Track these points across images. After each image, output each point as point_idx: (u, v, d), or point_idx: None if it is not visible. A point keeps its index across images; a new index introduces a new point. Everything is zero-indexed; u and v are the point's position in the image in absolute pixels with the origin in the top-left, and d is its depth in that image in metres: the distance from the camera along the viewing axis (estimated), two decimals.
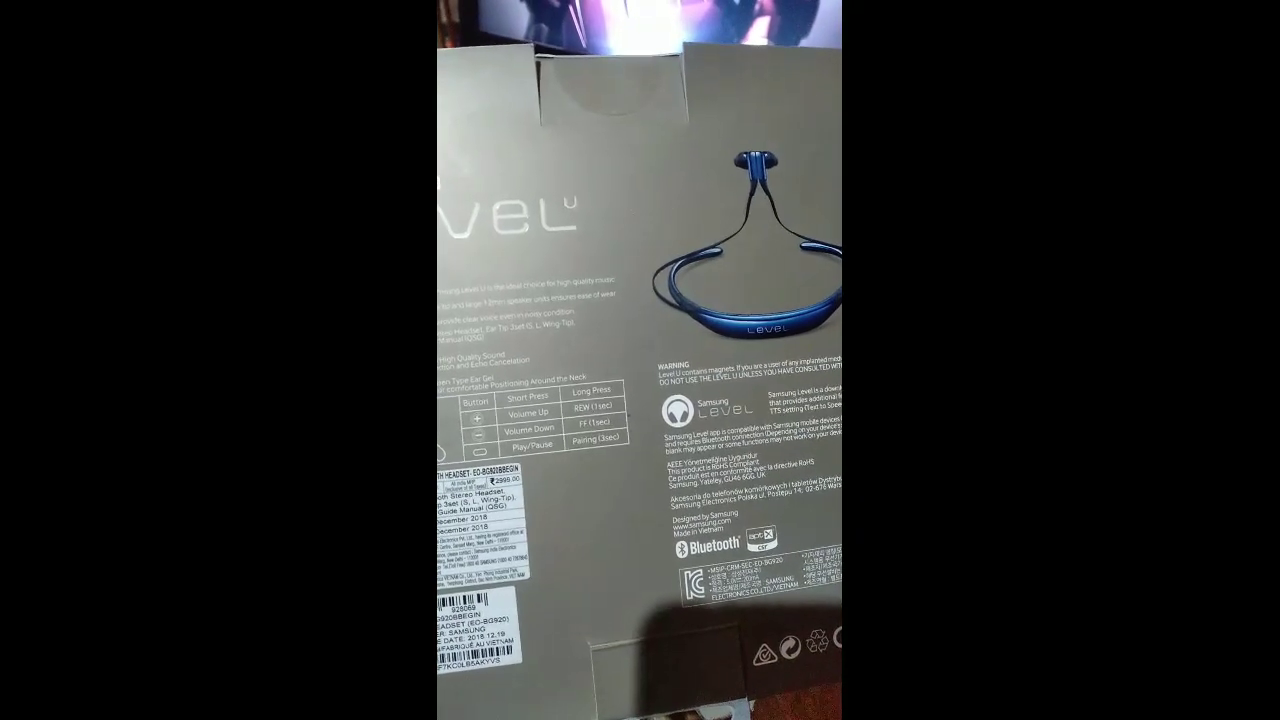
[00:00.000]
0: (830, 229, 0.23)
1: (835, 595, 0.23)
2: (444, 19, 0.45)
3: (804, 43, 0.41)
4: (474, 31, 0.42)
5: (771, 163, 0.23)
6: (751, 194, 0.23)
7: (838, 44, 0.41)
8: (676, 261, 0.22)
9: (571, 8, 0.40)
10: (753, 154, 0.23)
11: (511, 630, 0.21)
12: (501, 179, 0.21)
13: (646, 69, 0.23)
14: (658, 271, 0.22)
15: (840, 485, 0.23)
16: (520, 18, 0.41)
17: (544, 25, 0.41)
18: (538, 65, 0.22)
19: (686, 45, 0.22)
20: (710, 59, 0.23)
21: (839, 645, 0.22)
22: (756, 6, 0.40)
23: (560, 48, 0.41)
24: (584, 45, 0.41)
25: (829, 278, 0.23)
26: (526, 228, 0.21)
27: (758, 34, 0.41)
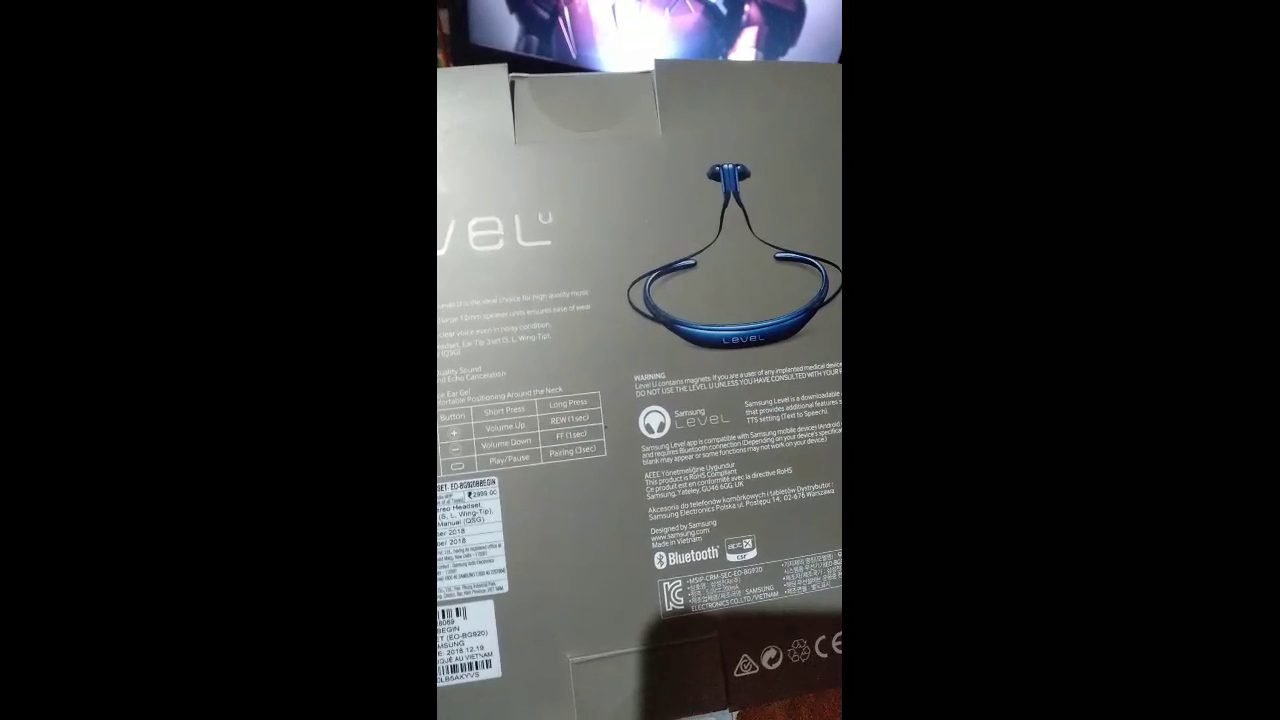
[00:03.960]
0: (804, 239, 0.23)
1: (816, 604, 0.22)
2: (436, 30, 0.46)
3: (791, 52, 0.42)
4: (464, 43, 0.43)
5: (744, 175, 0.23)
6: (725, 206, 0.23)
7: (825, 53, 0.41)
8: (651, 274, 0.22)
9: (561, 19, 0.41)
10: (725, 166, 0.23)
11: (491, 644, 0.21)
12: (477, 196, 0.22)
13: (619, 86, 0.23)
14: (633, 284, 0.22)
15: (819, 493, 0.23)
16: (510, 30, 0.41)
17: (534, 37, 0.42)
18: (512, 84, 0.22)
19: (658, 61, 0.23)
20: (682, 74, 0.23)
21: (821, 655, 0.22)
22: (744, 17, 0.41)
23: (550, 59, 0.42)
24: (574, 56, 0.41)
25: (803, 287, 0.23)
26: (502, 243, 0.22)
27: (746, 44, 0.41)
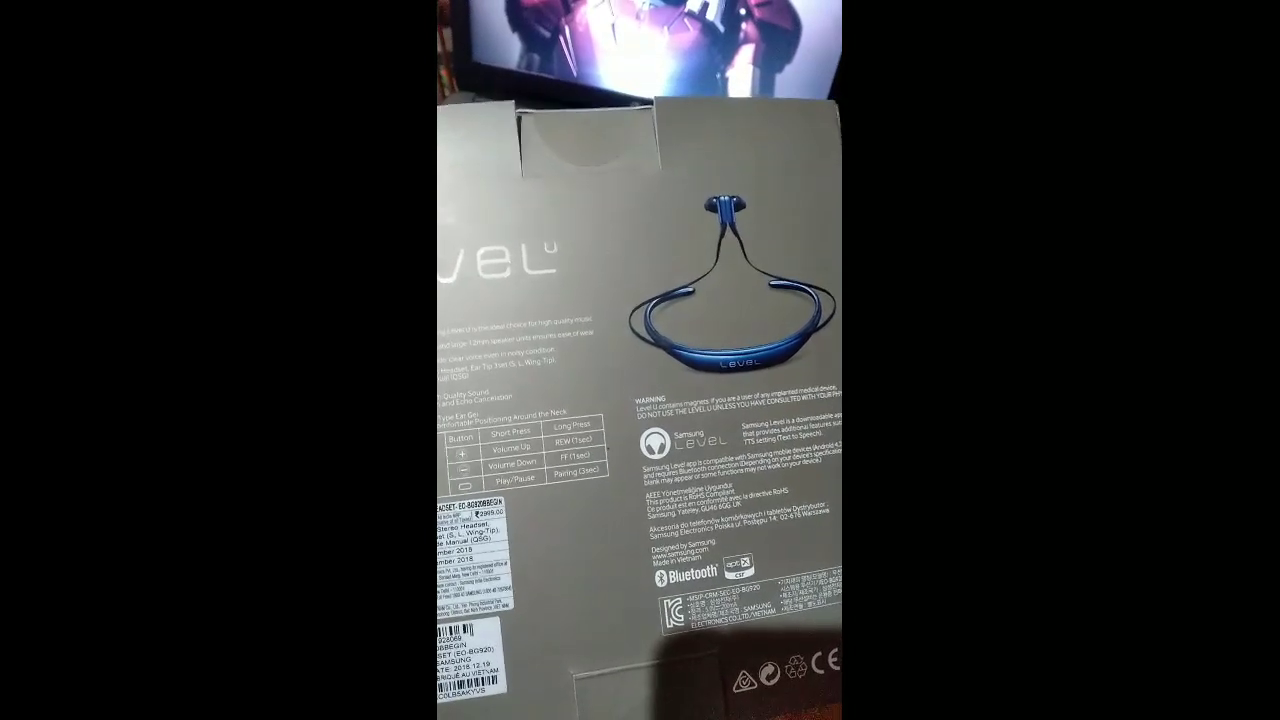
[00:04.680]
0: (798, 267, 0.24)
1: (812, 621, 0.23)
2: (439, 48, 0.47)
3: (788, 69, 0.42)
4: (467, 61, 0.43)
5: (740, 206, 0.24)
6: (721, 236, 0.24)
7: (821, 70, 0.41)
8: (651, 301, 0.23)
9: (562, 38, 0.41)
10: (722, 198, 0.24)
11: (497, 660, 0.21)
12: (485, 226, 0.23)
13: (621, 121, 0.24)
14: (634, 310, 0.23)
15: (814, 513, 0.23)
16: (512, 48, 0.42)
17: (535, 55, 0.42)
18: (518, 120, 0.23)
19: (658, 99, 0.24)
20: (681, 110, 0.24)
21: (819, 671, 0.23)
22: (741, 34, 0.41)
23: (551, 76, 0.42)
24: (574, 74, 0.42)
25: (797, 313, 0.24)
26: (509, 272, 0.23)
27: (743, 60, 0.42)
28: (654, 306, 0.23)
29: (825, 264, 0.25)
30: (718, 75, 0.42)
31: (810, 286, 0.24)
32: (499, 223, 0.23)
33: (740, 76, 0.42)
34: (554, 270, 0.23)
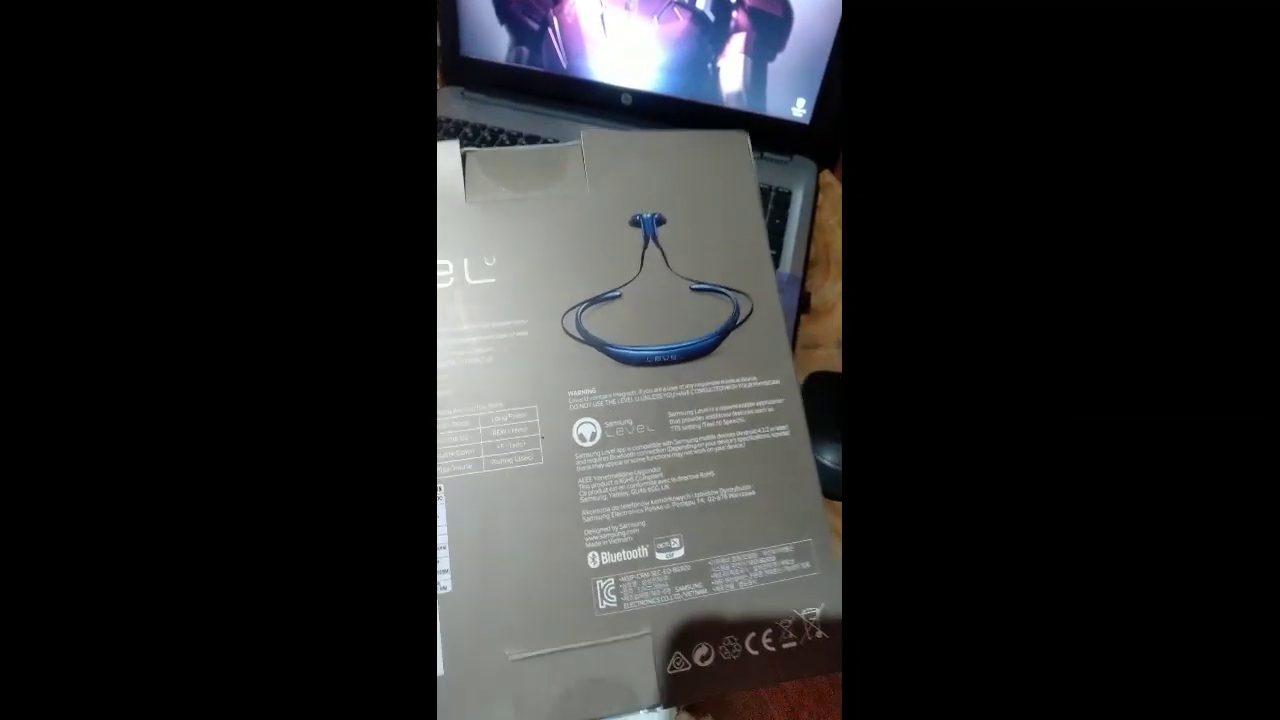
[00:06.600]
0: (716, 273, 0.27)
1: (745, 603, 0.24)
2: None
3: (780, 57, 0.41)
4: (455, 56, 0.43)
5: (661, 221, 0.27)
6: (645, 247, 0.27)
7: (813, 58, 0.40)
8: (582, 304, 0.26)
9: (550, 30, 0.42)
10: (645, 215, 0.27)
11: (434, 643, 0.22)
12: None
13: (553, 155, 0.28)
14: (565, 313, 0.25)
15: (740, 495, 0.25)
16: (500, 42, 0.42)
17: (524, 48, 0.42)
18: (463, 156, 0.27)
19: (584, 133, 0.28)
20: (606, 143, 0.28)
21: (753, 652, 0.23)
22: (732, 23, 0.41)
23: (540, 69, 0.42)
24: (564, 66, 0.42)
25: (717, 313, 0.26)
26: (451, 282, 0.25)
27: (734, 49, 0.41)
28: (584, 309, 0.26)
29: (741, 270, 0.27)
30: (709, 65, 0.42)
31: (728, 289, 0.27)
32: (444, 241, 0.26)
33: (731, 66, 0.42)
34: (493, 280, 0.25)
